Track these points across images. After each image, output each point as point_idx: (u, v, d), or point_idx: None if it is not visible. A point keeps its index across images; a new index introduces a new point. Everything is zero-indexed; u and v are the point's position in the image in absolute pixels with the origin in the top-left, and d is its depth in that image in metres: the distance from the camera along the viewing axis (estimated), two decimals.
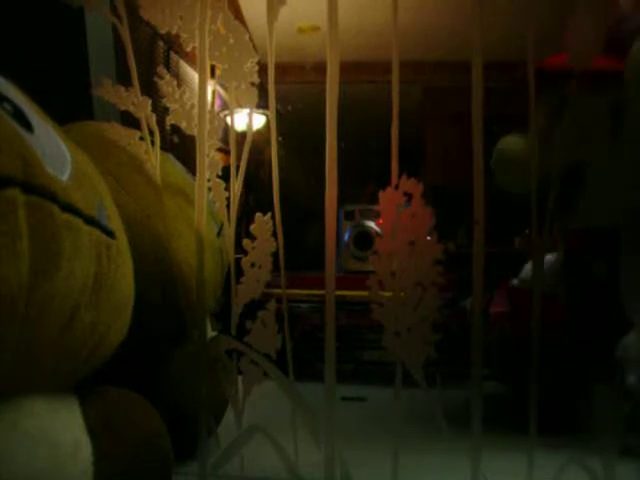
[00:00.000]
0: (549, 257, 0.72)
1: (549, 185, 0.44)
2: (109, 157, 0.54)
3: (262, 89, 0.48)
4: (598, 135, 0.57)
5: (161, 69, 0.54)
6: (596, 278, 0.63)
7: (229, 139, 0.51)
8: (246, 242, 0.46)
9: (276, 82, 0.45)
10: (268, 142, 0.47)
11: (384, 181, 0.38)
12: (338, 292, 0.38)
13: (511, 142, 0.63)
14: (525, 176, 0.51)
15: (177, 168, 0.64)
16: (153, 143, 0.57)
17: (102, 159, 0.47)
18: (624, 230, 0.57)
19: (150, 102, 0.55)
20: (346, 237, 2.29)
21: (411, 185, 0.37)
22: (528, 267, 0.74)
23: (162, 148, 0.59)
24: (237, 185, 0.50)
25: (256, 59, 0.48)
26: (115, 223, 0.38)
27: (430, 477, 0.53)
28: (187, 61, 1.89)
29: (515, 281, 0.78)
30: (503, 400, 0.68)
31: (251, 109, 0.50)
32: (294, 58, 2.22)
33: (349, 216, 2.31)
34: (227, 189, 0.51)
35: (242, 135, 0.50)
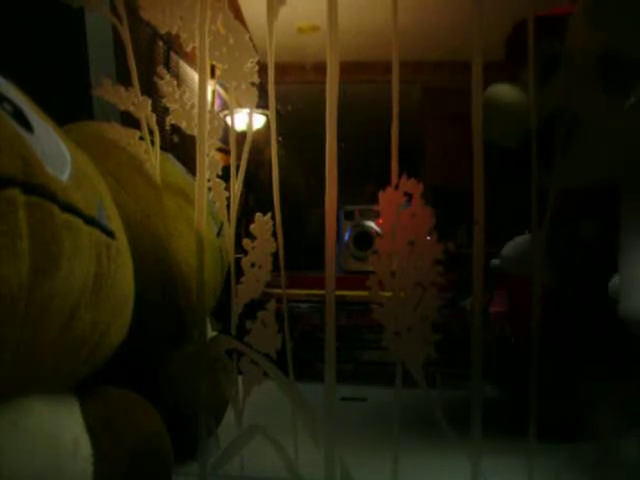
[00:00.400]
0: (525, 237, 0.68)
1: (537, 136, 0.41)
2: (109, 157, 0.54)
3: (262, 89, 0.48)
4: (590, 86, 0.53)
5: (161, 69, 0.54)
6: (584, 243, 0.58)
7: (229, 139, 0.51)
8: (246, 242, 0.46)
9: (276, 82, 0.45)
10: (268, 142, 0.47)
11: (384, 181, 0.38)
12: (338, 292, 0.38)
13: (501, 90, 0.57)
14: (515, 126, 0.49)
15: (177, 168, 0.64)
16: (153, 143, 0.57)
17: (102, 159, 0.47)
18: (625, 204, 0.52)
19: (150, 102, 0.55)
20: (346, 237, 2.30)
21: (411, 185, 0.37)
22: (511, 244, 0.69)
23: (162, 148, 0.59)
24: (237, 185, 0.50)
25: (256, 59, 0.48)
26: (115, 223, 0.38)
27: (430, 477, 0.53)
28: (187, 61, 1.89)
29: (495, 261, 0.71)
30: (500, 402, 0.67)
31: (251, 109, 0.50)
32: (294, 58, 2.22)
33: (349, 216, 2.31)
34: (227, 189, 0.50)
35: (242, 135, 0.50)
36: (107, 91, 0.55)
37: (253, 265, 0.46)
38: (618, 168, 0.54)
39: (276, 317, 0.44)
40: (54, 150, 0.33)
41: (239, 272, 0.46)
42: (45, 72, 0.75)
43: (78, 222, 0.32)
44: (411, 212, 0.37)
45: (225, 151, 0.51)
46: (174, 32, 0.48)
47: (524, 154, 0.42)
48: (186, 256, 0.55)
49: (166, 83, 0.53)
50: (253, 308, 0.46)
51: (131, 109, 0.55)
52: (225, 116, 0.52)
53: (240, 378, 0.47)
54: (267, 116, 0.46)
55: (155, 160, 0.57)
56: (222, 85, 0.50)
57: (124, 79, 0.55)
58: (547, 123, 0.45)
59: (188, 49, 0.46)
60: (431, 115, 2.99)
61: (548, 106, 0.48)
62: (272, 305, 0.45)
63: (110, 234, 0.36)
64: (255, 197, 2.42)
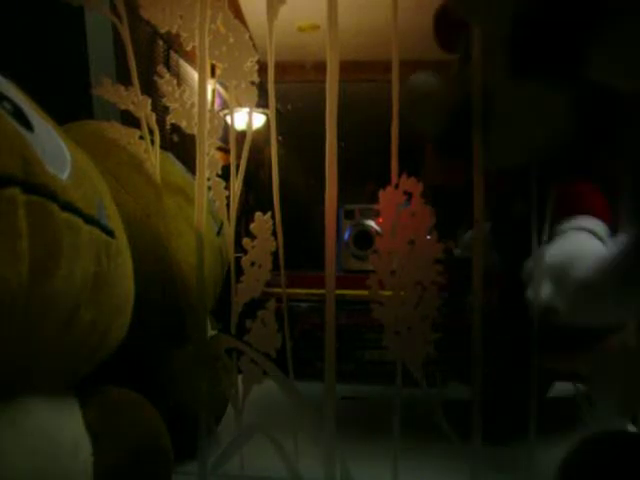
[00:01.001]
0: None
1: (458, 122, 0.40)
2: (109, 156, 0.54)
3: (262, 88, 0.48)
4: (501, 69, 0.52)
5: (161, 68, 0.54)
6: (518, 222, 0.57)
7: (229, 138, 0.51)
8: (246, 241, 0.46)
9: (276, 81, 0.45)
10: (268, 141, 0.47)
11: (384, 180, 0.38)
12: (338, 291, 0.38)
13: (422, 78, 0.58)
14: (437, 111, 0.48)
15: (177, 167, 0.64)
16: (153, 142, 0.57)
17: (102, 158, 0.47)
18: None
19: (150, 101, 0.55)
20: (346, 236, 2.29)
21: (411, 184, 0.37)
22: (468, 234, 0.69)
23: (162, 147, 0.59)
24: (237, 184, 0.50)
25: (256, 58, 0.48)
26: (115, 222, 0.38)
27: (430, 476, 0.53)
28: (187, 60, 1.89)
29: (457, 250, 0.71)
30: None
31: (251, 108, 0.50)
32: (294, 57, 2.22)
33: (349, 215, 2.30)
34: (227, 188, 0.50)
35: (242, 134, 0.50)
36: (107, 90, 0.55)
37: (253, 264, 0.46)
38: (537, 152, 0.51)
39: (276, 316, 0.44)
40: (54, 149, 0.33)
41: (239, 271, 0.46)
42: (45, 72, 0.75)
43: (78, 221, 0.32)
44: (411, 211, 0.37)
45: (225, 150, 0.51)
46: (174, 31, 0.48)
47: (449, 138, 0.42)
48: (186, 255, 0.55)
49: (166, 82, 0.53)
50: (253, 307, 0.46)
51: (131, 108, 0.55)
52: (225, 115, 0.52)
53: (240, 377, 0.47)
54: (267, 115, 0.46)
55: (155, 159, 0.57)
56: (222, 84, 0.50)
57: (124, 78, 0.55)
58: (465, 107, 0.44)
59: (188, 48, 0.46)
60: None
61: (465, 90, 0.47)
62: (272, 304, 0.45)
63: (110, 233, 0.36)
64: (255, 196, 2.43)
